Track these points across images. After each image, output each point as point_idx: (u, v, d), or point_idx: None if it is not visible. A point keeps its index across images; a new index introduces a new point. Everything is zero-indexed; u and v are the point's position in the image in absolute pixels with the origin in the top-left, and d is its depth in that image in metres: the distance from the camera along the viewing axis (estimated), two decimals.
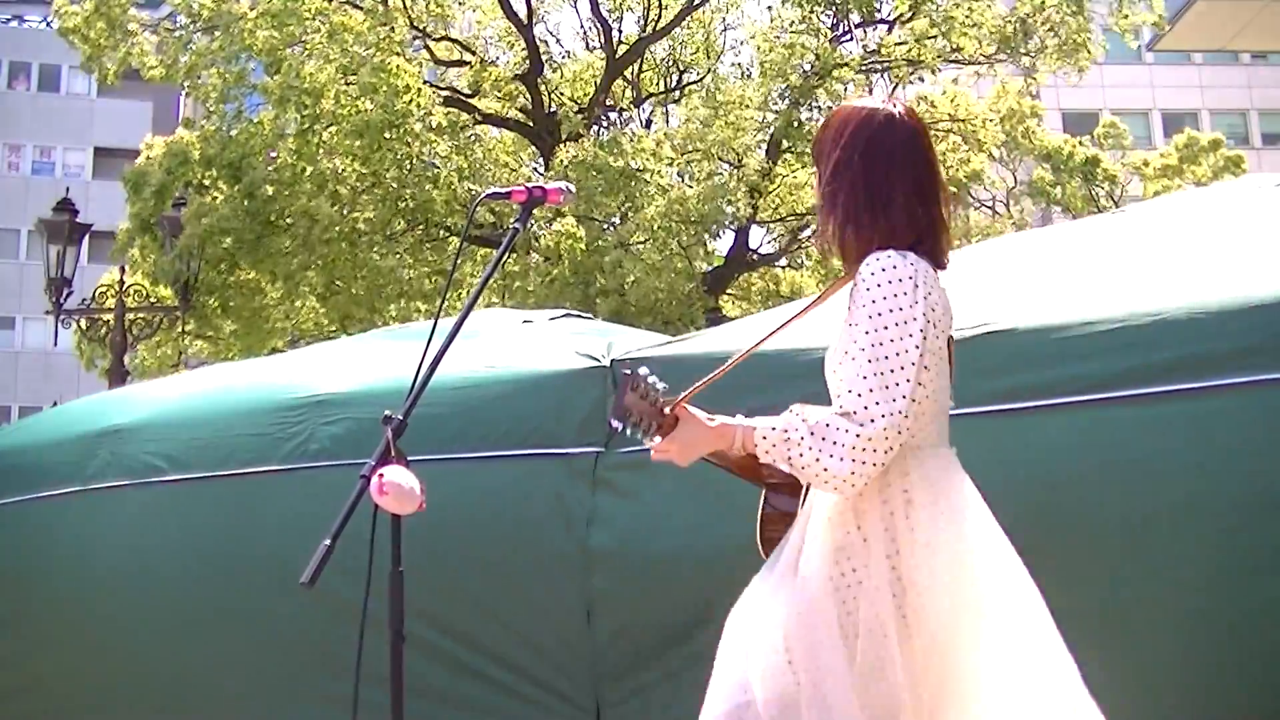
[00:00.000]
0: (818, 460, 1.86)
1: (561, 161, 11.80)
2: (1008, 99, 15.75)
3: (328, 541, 1.99)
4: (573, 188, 2.34)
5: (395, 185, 12.26)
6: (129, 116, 27.83)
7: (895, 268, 1.91)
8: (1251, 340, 2.52)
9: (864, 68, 13.34)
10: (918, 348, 1.88)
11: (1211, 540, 2.50)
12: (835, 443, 1.86)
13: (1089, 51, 13.46)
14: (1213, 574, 2.48)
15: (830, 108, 13.56)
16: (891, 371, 1.87)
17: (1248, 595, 2.45)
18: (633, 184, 11.55)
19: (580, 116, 12.32)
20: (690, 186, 12.46)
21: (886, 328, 1.88)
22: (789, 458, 1.91)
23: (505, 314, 5.40)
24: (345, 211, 12.29)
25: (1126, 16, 13.29)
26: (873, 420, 1.85)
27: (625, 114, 14.14)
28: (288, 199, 12.12)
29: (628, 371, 1.97)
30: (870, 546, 1.90)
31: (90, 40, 12.95)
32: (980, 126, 14.91)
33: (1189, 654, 2.49)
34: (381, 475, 2.09)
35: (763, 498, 2.17)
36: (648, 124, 14.65)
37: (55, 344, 15.33)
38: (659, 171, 11.94)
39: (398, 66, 11.58)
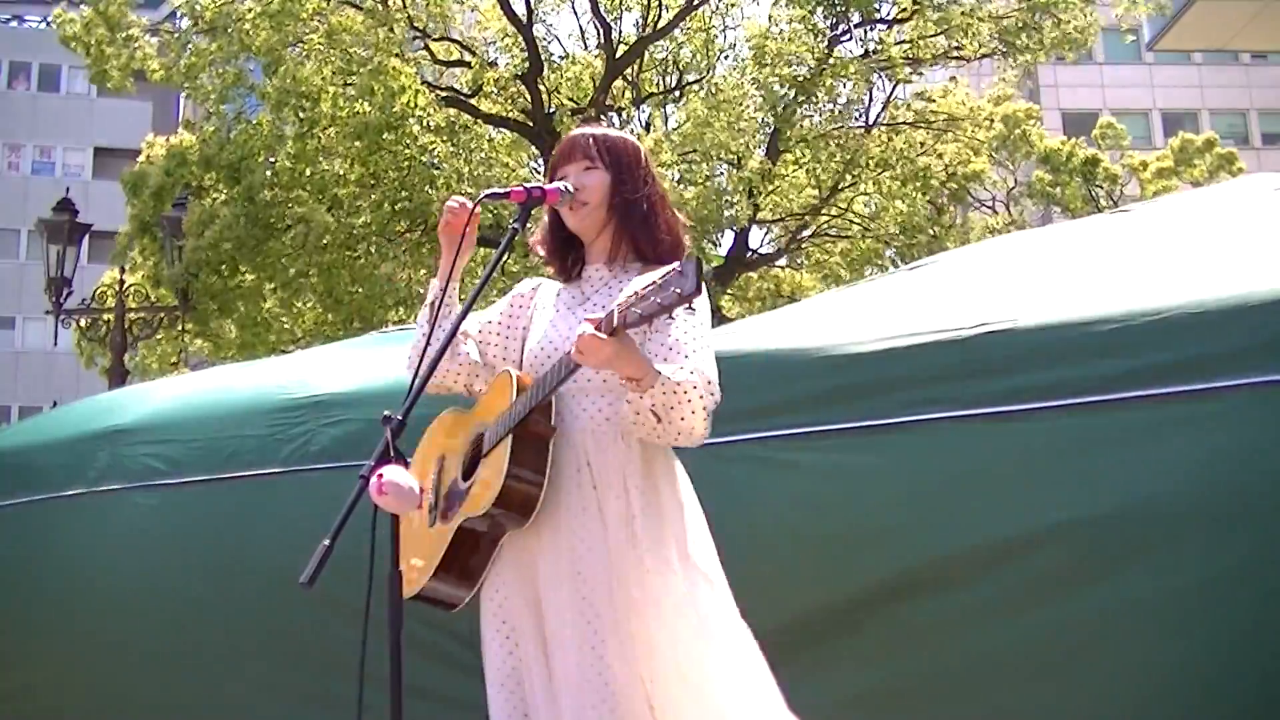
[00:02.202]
0: (694, 416, 2.12)
1: None
2: (1006, 100, 15.77)
3: (327, 542, 1.99)
4: (572, 188, 2.34)
5: (394, 187, 12.27)
6: (129, 116, 27.82)
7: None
8: (1253, 341, 2.51)
9: (863, 67, 13.33)
10: None
11: (1213, 542, 2.50)
12: (706, 408, 2.14)
13: (1086, 41, 13.45)
14: (1214, 576, 2.48)
15: (830, 108, 13.61)
16: (712, 357, 2.23)
17: (1249, 597, 2.45)
18: None
19: (578, 117, 12.31)
20: (689, 188, 12.46)
21: (704, 323, 2.26)
22: (672, 405, 2.10)
23: None
24: (344, 216, 12.29)
25: (1128, 9, 13.27)
26: (714, 395, 2.17)
27: (625, 114, 14.14)
28: (286, 203, 12.13)
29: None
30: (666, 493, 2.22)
31: (91, 48, 12.95)
32: (979, 127, 14.92)
33: (1189, 656, 2.49)
34: (381, 475, 2.09)
35: (512, 452, 2.15)
36: (647, 126, 14.65)
37: (55, 344, 15.32)
38: (667, 167, 11.94)
39: (394, 68, 11.58)
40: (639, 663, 2.08)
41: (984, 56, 14.09)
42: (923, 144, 14.44)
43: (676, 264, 1.93)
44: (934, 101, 14.73)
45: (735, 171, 12.55)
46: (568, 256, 2.44)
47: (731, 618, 2.20)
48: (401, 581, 2.23)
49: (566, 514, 2.18)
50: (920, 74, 13.99)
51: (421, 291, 13.01)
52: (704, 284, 1.93)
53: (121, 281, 12.30)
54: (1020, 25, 12.87)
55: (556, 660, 2.14)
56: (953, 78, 15.72)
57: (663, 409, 2.10)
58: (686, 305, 1.90)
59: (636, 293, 1.94)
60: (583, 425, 2.23)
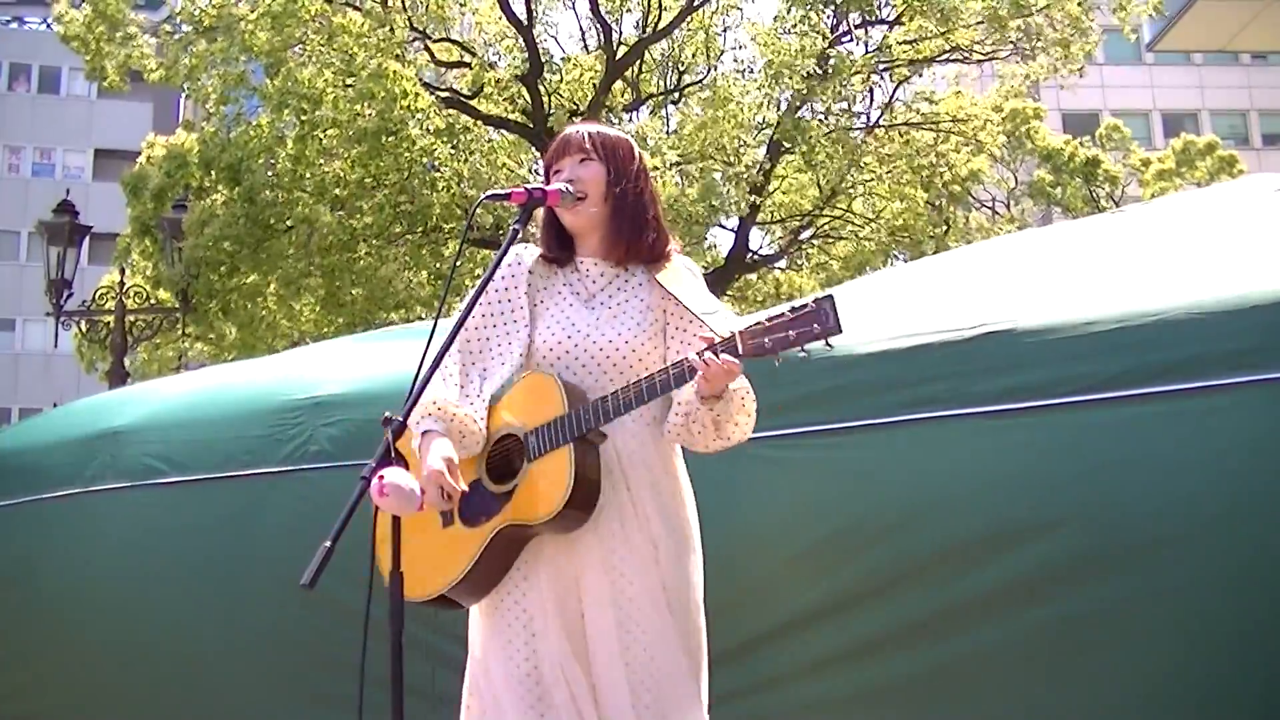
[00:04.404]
0: (749, 420, 2.19)
1: None
2: (1009, 99, 15.75)
3: (327, 543, 1.99)
4: (572, 189, 2.34)
5: (394, 189, 12.27)
6: (129, 118, 27.83)
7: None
8: (1251, 340, 2.52)
9: (865, 67, 13.33)
10: None
11: (1213, 540, 2.50)
12: (754, 409, 2.20)
13: (1087, 44, 13.44)
14: (1214, 574, 2.48)
15: (832, 108, 13.61)
16: None
17: (1249, 595, 2.45)
18: None
19: (578, 118, 12.32)
20: (689, 186, 12.46)
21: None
22: (732, 413, 2.15)
23: None
24: (344, 217, 12.30)
25: (1124, 8, 13.26)
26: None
27: (625, 115, 14.15)
28: (287, 204, 12.13)
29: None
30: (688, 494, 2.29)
31: (91, 47, 12.96)
32: (981, 127, 14.91)
33: (1191, 655, 2.49)
34: (382, 477, 2.09)
35: (575, 456, 2.16)
36: (645, 139, 14.64)
37: (55, 346, 15.34)
38: (660, 173, 11.93)
39: (395, 72, 11.58)
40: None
41: (987, 59, 14.07)
42: (926, 145, 14.43)
43: (810, 300, 1.97)
44: (937, 103, 14.71)
45: (732, 169, 12.52)
46: (563, 246, 2.45)
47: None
48: (402, 582, 2.23)
49: (605, 518, 2.19)
50: (921, 75, 13.96)
51: (422, 294, 13.01)
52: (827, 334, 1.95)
53: (121, 283, 12.30)
54: (1011, 18, 12.84)
55: (600, 657, 2.17)
56: (956, 78, 15.72)
57: (724, 417, 2.15)
58: (825, 343, 1.94)
59: (764, 323, 1.98)
60: (616, 427, 2.23)
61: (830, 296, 1.93)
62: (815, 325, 1.93)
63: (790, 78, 12.40)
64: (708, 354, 2.03)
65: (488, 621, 2.30)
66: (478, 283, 2.32)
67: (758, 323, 1.99)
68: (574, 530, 2.18)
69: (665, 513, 2.23)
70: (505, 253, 2.35)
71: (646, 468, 2.24)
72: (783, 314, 1.96)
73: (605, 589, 2.18)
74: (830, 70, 12.59)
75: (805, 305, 1.94)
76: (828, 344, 1.94)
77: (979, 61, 14.17)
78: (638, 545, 2.19)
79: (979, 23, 12.85)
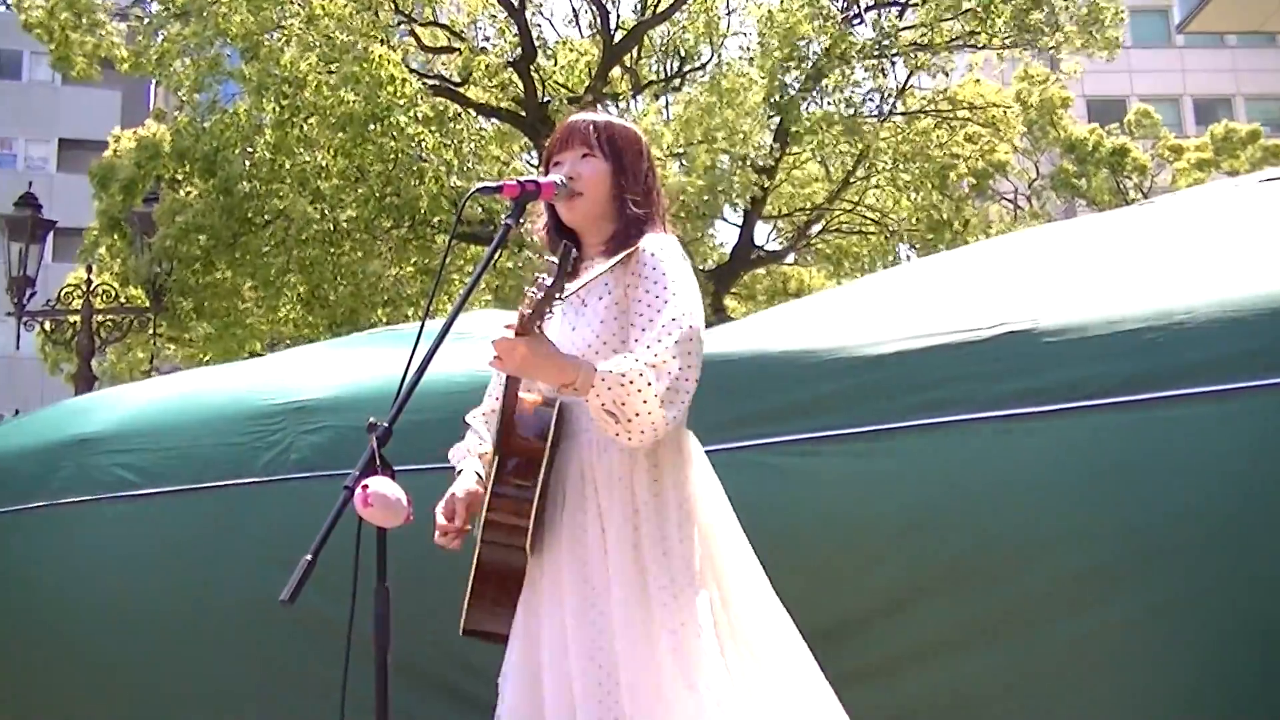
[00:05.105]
0: (648, 405, 2.06)
1: None
2: (1032, 89, 15.73)
3: (309, 557, 2.00)
4: (567, 180, 2.33)
5: (379, 180, 12.28)
6: (96, 106, 27.80)
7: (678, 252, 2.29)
8: None
9: (876, 52, 13.35)
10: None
11: (1250, 547, 2.50)
12: (663, 393, 2.07)
13: (1112, 28, 13.45)
14: (1250, 581, 2.49)
15: (842, 95, 13.62)
16: (690, 340, 2.15)
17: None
18: None
19: (574, 106, 12.32)
20: (693, 175, 12.45)
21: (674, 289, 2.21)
22: (622, 401, 2.06)
23: (497, 315, 5.40)
24: (326, 210, 12.30)
25: None
26: (687, 379, 2.12)
27: (622, 102, 14.16)
28: (265, 196, 12.14)
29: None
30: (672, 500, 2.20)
31: (56, 35, 12.95)
32: (1001, 116, 14.91)
33: (1231, 663, 2.50)
34: (366, 486, 2.09)
35: (495, 475, 2.21)
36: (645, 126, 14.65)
37: (18, 347, 15.31)
38: (661, 162, 11.94)
39: (381, 56, 11.60)
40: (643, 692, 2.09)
41: (1005, 47, 14.08)
42: (942, 135, 14.44)
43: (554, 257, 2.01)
44: (953, 91, 14.71)
45: (738, 150, 12.50)
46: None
47: (751, 631, 2.21)
48: (388, 598, 2.24)
49: (569, 535, 2.18)
50: (935, 62, 13.96)
51: (408, 291, 13.02)
52: (567, 269, 2.01)
53: (88, 281, 12.30)
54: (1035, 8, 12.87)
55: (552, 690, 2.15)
56: (971, 66, 15.73)
57: (614, 406, 2.08)
58: (558, 295, 1.98)
59: (536, 292, 2.01)
60: (585, 436, 2.23)
61: (567, 246, 2.02)
62: (544, 275, 1.97)
63: (797, 64, 12.41)
64: (495, 336, 2.07)
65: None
66: (468, 281, 2.33)
67: (533, 291, 2.03)
68: (520, 559, 2.19)
69: (636, 514, 2.18)
70: (496, 250, 2.36)
71: (622, 479, 2.20)
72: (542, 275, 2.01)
73: (559, 653, 2.14)
74: (839, 54, 12.61)
75: (552, 262, 2.00)
76: (559, 297, 2.01)
77: (1000, 49, 14.17)
78: (601, 569, 2.15)
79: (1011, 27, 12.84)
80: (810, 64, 12.75)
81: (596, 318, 2.27)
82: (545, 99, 13.17)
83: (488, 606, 2.27)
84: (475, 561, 2.25)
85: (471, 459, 2.40)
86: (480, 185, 2.40)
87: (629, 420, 2.07)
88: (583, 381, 2.08)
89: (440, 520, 2.27)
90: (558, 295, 1.99)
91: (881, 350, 2.98)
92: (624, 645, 2.10)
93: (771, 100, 13.18)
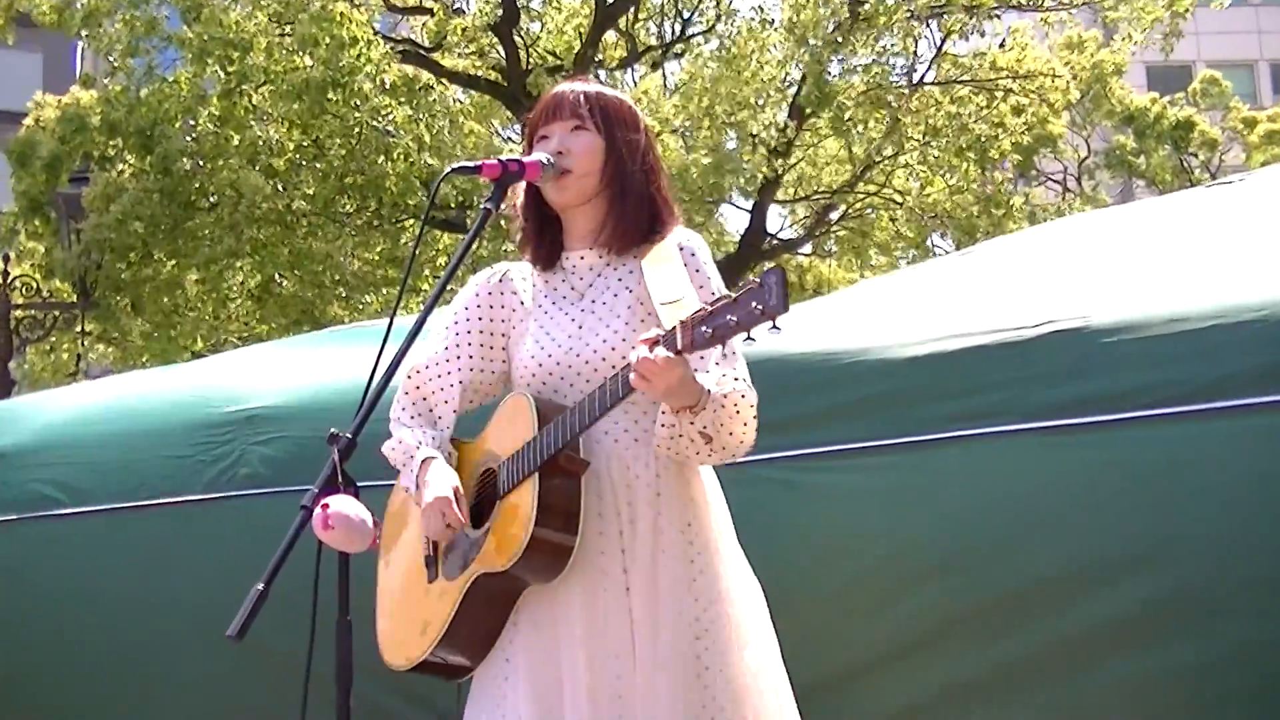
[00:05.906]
0: (747, 429, 2.19)
1: None
2: (1084, 53, 15.70)
3: (260, 586, 2.00)
4: (554, 159, 2.34)
5: (341, 157, 12.27)
6: (14, 71, 27.70)
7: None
8: None
9: (911, 14, 13.33)
10: None
11: None
12: (755, 416, 2.20)
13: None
14: None
15: (867, 62, 13.62)
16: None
17: None
18: None
19: (561, 75, 12.34)
20: (697, 153, 12.46)
21: None
22: (721, 423, 2.14)
23: None
24: (280, 187, 12.29)
25: None
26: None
27: (617, 73, 14.19)
28: (210, 175, 12.12)
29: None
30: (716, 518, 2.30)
31: None
32: (1049, 85, 14.87)
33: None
34: (326, 506, 2.10)
35: (538, 489, 2.16)
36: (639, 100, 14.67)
37: None
38: (661, 137, 11.96)
39: (342, 14, 11.60)
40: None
41: (1057, 7, 14.10)
42: (982, 103, 14.38)
43: (754, 277, 1.96)
44: (993, 55, 14.66)
45: (748, 128, 12.49)
46: (545, 236, 2.44)
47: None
48: (350, 631, 2.25)
49: (593, 557, 2.18)
50: (979, 29, 13.91)
51: (373, 283, 13.00)
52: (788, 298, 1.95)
53: (5, 273, 12.29)
54: None
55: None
56: (1013, 30, 15.73)
57: (714, 428, 2.14)
58: (771, 325, 1.92)
59: (704, 309, 1.98)
60: (608, 449, 2.23)
61: (779, 269, 1.94)
62: (756, 304, 1.91)
63: (815, 29, 12.40)
64: (640, 352, 2.01)
65: (474, 685, 2.30)
66: (442, 274, 2.34)
67: (700, 309, 1.99)
68: (551, 578, 2.17)
69: (674, 545, 2.21)
70: (474, 238, 2.37)
71: (650, 497, 2.21)
72: (726, 295, 1.97)
73: (582, 669, 2.14)
74: (863, 16, 12.60)
75: (749, 282, 1.94)
76: (775, 326, 1.92)
77: (1049, 10, 14.18)
78: (622, 598, 2.16)
79: None
80: (833, 28, 12.73)
81: (617, 317, 2.29)
82: (530, 67, 13.18)
83: (466, 639, 2.27)
84: (467, 588, 2.23)
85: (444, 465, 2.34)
86: (456, 165, 2.41)
87: (720, 443, 2.17)
88: (701, 403, 2.12)
89: (454, 511, 2.22)
90: (748, 337, 1.95)
91: (910, 353, 2.99)
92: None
93: (786, 71, 13.19)
